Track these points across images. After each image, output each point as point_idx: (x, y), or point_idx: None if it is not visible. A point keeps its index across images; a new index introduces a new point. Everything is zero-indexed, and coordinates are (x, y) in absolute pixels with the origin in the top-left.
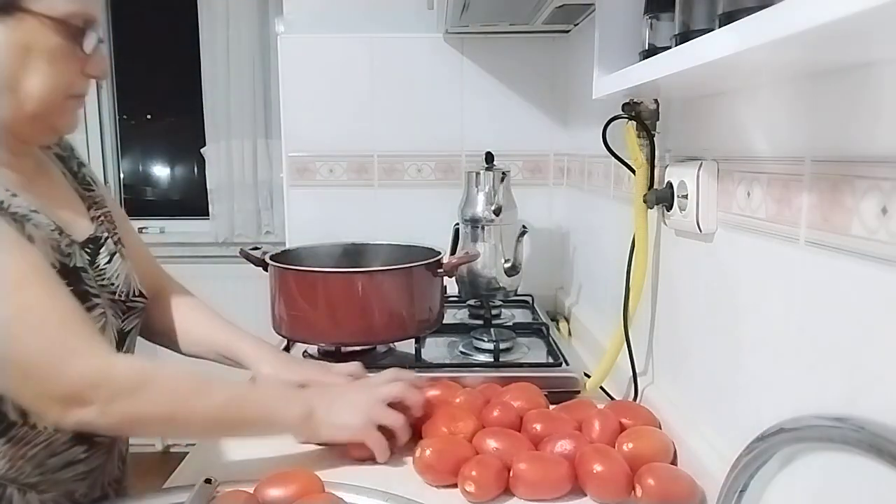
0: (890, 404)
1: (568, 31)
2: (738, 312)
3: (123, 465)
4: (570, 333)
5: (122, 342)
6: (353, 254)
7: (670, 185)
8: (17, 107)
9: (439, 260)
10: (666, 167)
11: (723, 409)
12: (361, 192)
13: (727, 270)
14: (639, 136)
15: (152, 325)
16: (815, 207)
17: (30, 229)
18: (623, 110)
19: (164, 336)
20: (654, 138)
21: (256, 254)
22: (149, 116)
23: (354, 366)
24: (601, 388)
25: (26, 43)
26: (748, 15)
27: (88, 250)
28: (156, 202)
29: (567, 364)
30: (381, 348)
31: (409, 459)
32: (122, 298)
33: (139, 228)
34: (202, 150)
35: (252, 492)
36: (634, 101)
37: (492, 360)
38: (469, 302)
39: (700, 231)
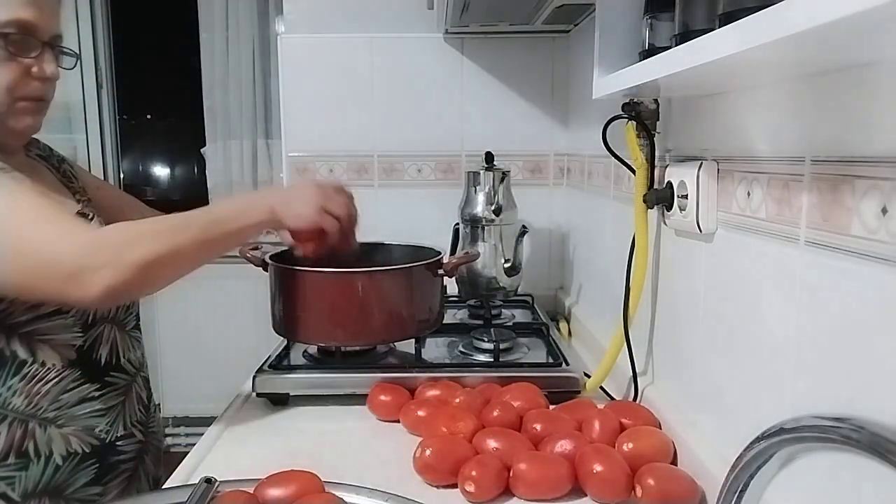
0: (890, 404)
1: (568, 31)
2: (738, 312)
3: (147, 410)
4: (570, 333)
5: (125, 304)
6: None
7: (670, 185)
8: None
9: (439, 260)
10: (666, 167)
11: (723, 409)
12: (361, 192)
13: (727, 270)
14: (639, 136)
15: None
16: (815, 207)
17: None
18: (623, 110)
19: None
20: (654, 138)
21: (256, 254)
22: (149, 116)
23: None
24: (601, 388)
25: None
26: (748, 15)
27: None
28: (156, 202)
29: (567, 364)
30: (381, 348)
31: (409, 459)
32: None
33: None
34: (202, 150)
35: (252, 492)
36: (634, 101)
37: (492, 360)
38: (469, 302)
39: (700, 231)
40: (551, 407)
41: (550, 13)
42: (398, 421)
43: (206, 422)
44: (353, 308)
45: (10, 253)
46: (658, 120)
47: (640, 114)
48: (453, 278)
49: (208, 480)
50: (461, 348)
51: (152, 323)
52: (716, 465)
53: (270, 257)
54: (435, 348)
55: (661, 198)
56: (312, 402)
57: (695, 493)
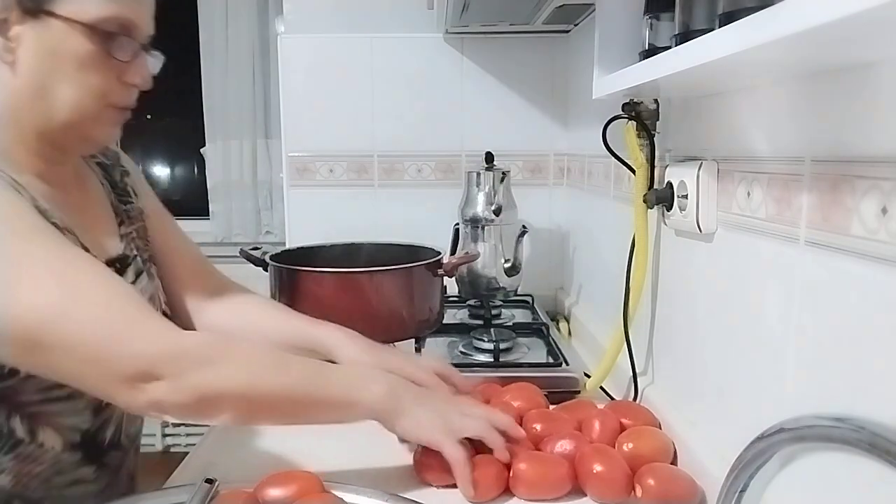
0: (890, 404)
1: (568, 31)
2: (738, 312)
3: (132, 481)
4: (570, 333)
5: None
6: (353, 254)
7: (670, 185)
8: (49, 115)
9: (439, 260)
10: (666, 167)
11: (723, 409)
12: (361, 192)
13: (727, 270)
14: (639, 136)
15: (213, 325)
16: (815, 207)
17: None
18: (623, 110)
19: (228, 335)
20: (654, 138)
21: (256, 254)
22: (149, 116)
23: (439, 360)
24: (601, 388)
25: (53, 48)
26: (748, 15)
27: (115, 269)
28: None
29: (567, 364)
30: None
31: (409, 459)
32: None
33: None
34: (202, 150)
35: (252, 492)
36: (634, 101)
37: (492, 360)
38: (469, 302)
39: (700, 231)
40: (551, 407)
41: (550, 13)
42: None
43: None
44: (353, 308)
45: (67, 340)
46: (658, 120)
47: (640, 114)
48: (453, 278)
49: (208, 480)
50: (461, 348)
51: None
52: (716, 465)
53: (270, 257)
54: (435, 348)
55: (661, 198)
56: None
57: (695, 493)
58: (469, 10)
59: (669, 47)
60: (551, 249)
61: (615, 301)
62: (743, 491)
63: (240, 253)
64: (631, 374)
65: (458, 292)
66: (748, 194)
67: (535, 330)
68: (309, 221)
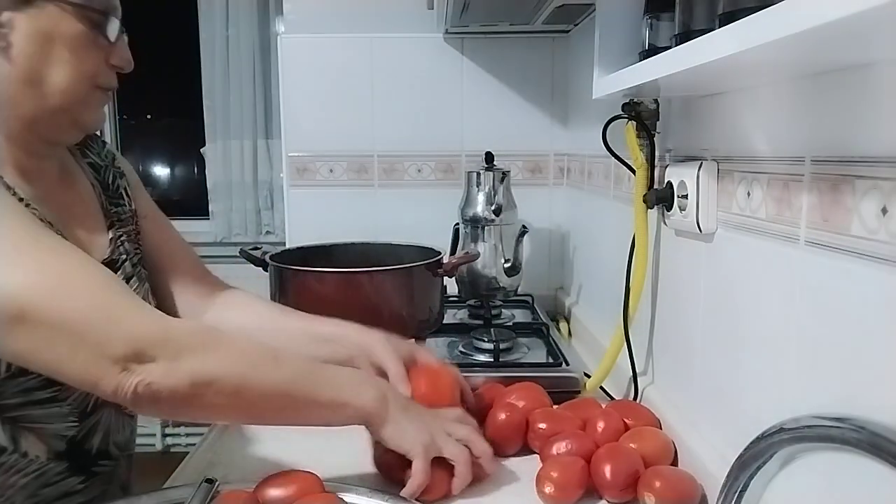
0: (890, 404)
1: (568, 31)
2: (738, 312)
3: (125, 491)
4: (570, 333)
5: None
6: (353, 254)
7: (670, 185)
8: (41, 101)
9: (439, 260)
10: (666, 167)
11: (723, 409)
12: (361, 192)
13: (727, 270)
14: (639, 136)
15: (215, 325)
16: (815, 207)
17: None
18: (623, 110)
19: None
20: (654, 138)
21: (256, 254)
22: (149, 116)
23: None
24: (601, 387)
25: (48, 31)
26: (748, 15)
27: None
28: (156, 202)
29: (567, 364)
30: None
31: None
32: None
33: None
34: (202, 150)
35: (252, 492)
36: (634, 101)
37: (492, 360)
38: (469, 302)
39: (700, 231)
40: (555, 406)
41: (550, 13)
42: None
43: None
44: (353, 308)
45: (51, 323)
46: (658, 120)
47: (640, 114)
48: (453, 278)
49: (208, 480)
50: (461, 348)
51: None
52: (716, 465)
53: (270, 257)
54: (435, 348)
55: (661, 198)
56: None
57: (696, 494)
58: (469, 10)
59: (669, 47)
60: (551, 249)
61: (615, 301)
62: (743, 491)
63: (240, 253)
64: (631, 374)
65: (458, 292)
66: (748, 194)
67: (535, 330)
68: (309, 221)
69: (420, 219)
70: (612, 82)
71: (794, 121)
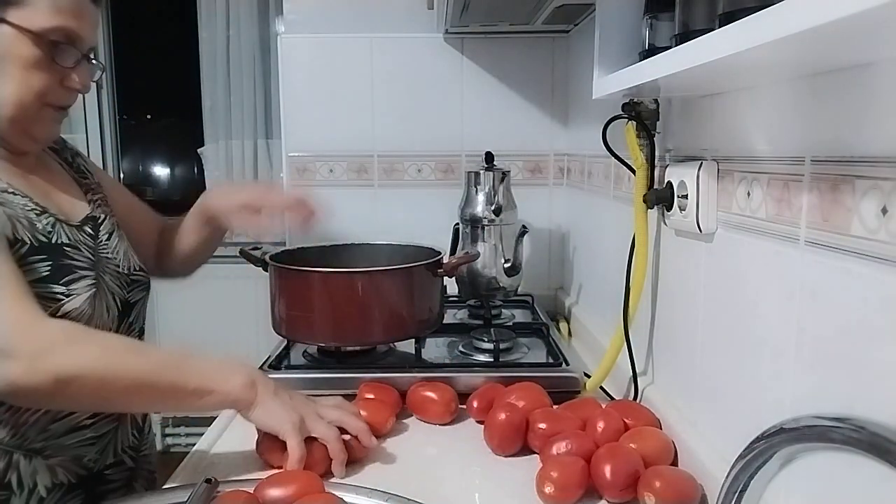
0: (890, 404)
1: (568, 31)
2: (738, 312)
3: (141, 433)
4: (570, 333)
5: (127, 312)
6: (354, 254)
7: (670, 185)
8: None
9: (439, 260)
10: (666, 167)
11: (723, 409)
12: (361, 192)
13: (727, 270)
14: (639, 136)
15: (166, 256)
16: (815, 207)
17: None
18: (623, 110)
19: (176, 258)
20: (654, 138)
21: (256, 254)
22: (149, 116)
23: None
24: (601, 387)
25: (3, 51)
26: (748, 15)
27: (90, 227)
28: (156, 202)
29: (567, 364)
30: (381, 348)
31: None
32: (125, 272)
33: None
34: (200, 151)
35: (252, 492)
36: (634, 101)
37: (492, 360)
38: (469, 302)
39: (700, 231)
40: (555, 407)
41: (550, 13)
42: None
43: (206, 422)
44: (353, 308)
45: None
46: (658, 120)
47: (640, 114)
48: (453, 278)
49: (208, 480)
50: (461, 348)
51: (152, 322)
52: (716, 465)
53: (270, 257)
54: (435, 348)
55: (661, 198)
56: None
57: (696, 494)
58: (469, 10)
59: (669, 47)
60: (551, 249)
61: (615, 301)
62: (743, 491)
63: (240, 253)
64: (631, 374)
65: (458, 292)
66: (748, 194)
67: (535, 330)
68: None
69: (420, 219)
70: (612, 82)
71: (794, 121)
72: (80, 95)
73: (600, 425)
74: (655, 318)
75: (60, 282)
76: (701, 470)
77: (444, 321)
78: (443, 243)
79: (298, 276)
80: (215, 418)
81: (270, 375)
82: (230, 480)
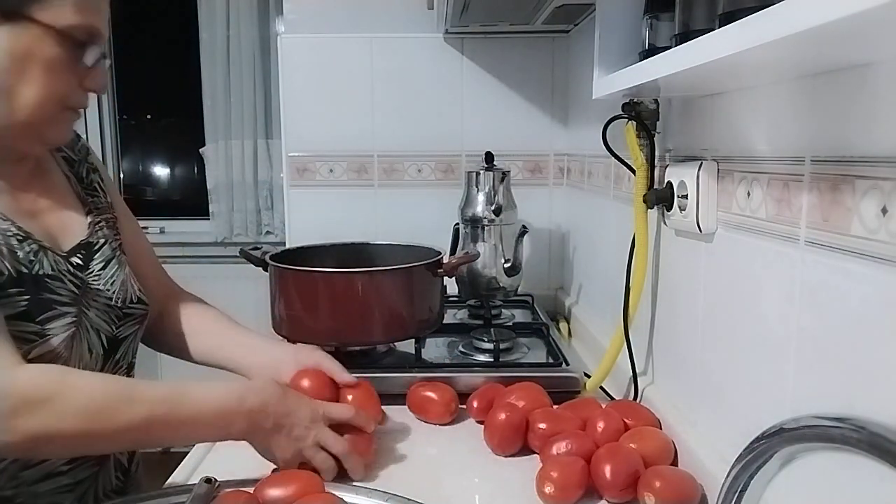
0: (890, 404)
1: (568, 31)
2: (738, 312)
3: (126, 475)
4: (570, 333)
5: (114, 349)
6: (353, 254)
7: (670, 185)
8: (8, 113)
9: (439, 260)
10: (666, 167)
11: (723, 409)
12: (361, 192)
13: (727, 270)
14: (639, 136)
15: (162, 333)
16: (815, 207)
17: None
18: (623, 110)
19: (173, 344)
20: (654, 138)
21: (256, 254)
22: (149, 116)
23: (321, 356)
24: (601, 387)
25: (27, 51)
26: (748, 15)
27: (80, 256)
28: (156, 202)
29: (567, 364)
30: (381, 348)
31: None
32: (118, 304)
33: None
34: (201, 151)
35: (252, 492)
36: (634, 101)
37: (492, 360)
38: (469, 302)
39: (700, 231)
40: (555, 407)
41: (550, 13)
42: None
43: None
44: (353, 308)
45: None
46: (658, 120)
47: (640, 114)
48: (453, 278)
49: (208, 480)
50: (461, 348)
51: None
52: (716, 465)
53: (270, 257)
54: (435, 348)
55: (661, 198)
56: None
57: (696, 494)
58: (469, 10)
59: (669, 47)
60: (551, 249)
61: (615, 301)
62: (743, 491)
63: (240, 253)
64: (631, 374)
65: (458, 292)
66: (748, 194)
67: (535, 330)
68: (309, 221)
69: (420, 219)
70: (612, 82)
71: (794, 121)
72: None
73: (600, 425)
74: (655, 318)
75: (36, 319)
76: (701, 470)
77: (444, 321)
78: (443, 243)
79: (298, 276)
80: None
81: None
82: (230, 480)
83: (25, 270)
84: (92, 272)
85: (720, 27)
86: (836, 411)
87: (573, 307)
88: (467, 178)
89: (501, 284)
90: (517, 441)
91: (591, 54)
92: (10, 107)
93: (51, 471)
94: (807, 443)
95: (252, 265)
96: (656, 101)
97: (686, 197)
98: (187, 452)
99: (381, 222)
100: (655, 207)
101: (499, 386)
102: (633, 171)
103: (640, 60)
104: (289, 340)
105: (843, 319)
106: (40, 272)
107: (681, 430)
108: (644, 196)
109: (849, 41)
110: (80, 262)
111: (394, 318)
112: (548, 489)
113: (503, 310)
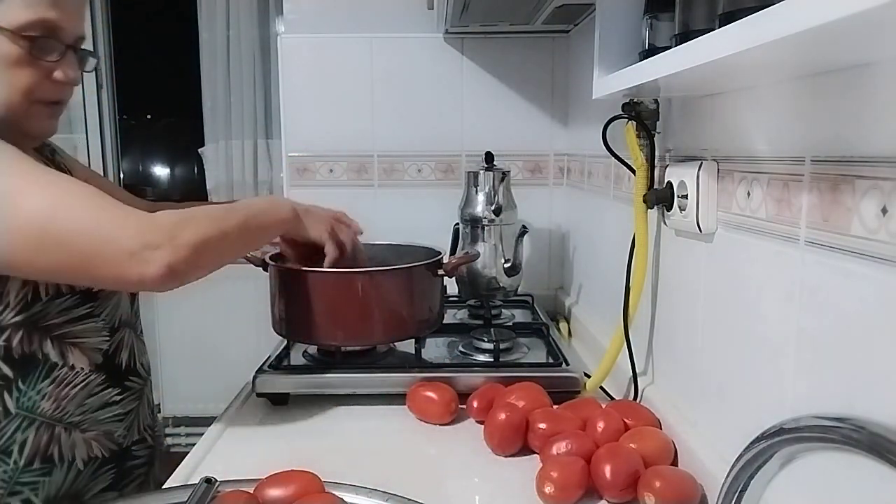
0: (890, 404)
1: (568, 31)
2: (738, 312)
3: (153, 414)
4: (570, 333)
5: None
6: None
7: (670, 185)
8: None
9: (439, 260)
10: (666, 167)
11: (723, 410)
12: (361, 192)
13: (727, 270)
14: (639, 136)
15: None
16: (815, 207)
17: None
18: (623, 110)
19: None
20: (654, 138)
21: (256, 254)
22: (149, 116)
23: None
24: (601, 387)
25: None
26: (748, 15)
27: None
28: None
29: (567, 364)
30: (381, 348)
31: (409, 458)
32: None
33: None
34: (200, 151)
35: (252, 492)
36: (634, 101)
37: (492, 360)
38: (469, 302)
39: (700, 231)
40: (555, 407)
41: (550, 13)
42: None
43: (207, 422)
44: (353, 308)
45: (69, 236)
46: (658, 120)
47: (640, 114)
48: (453, 278)
49: (208, 480)
50: (461, 348)
51: (152, 322)
52: (716, 465)
53: (270, 257)
54: (435, 348)
55: (661, 198)
56: (312, 402)
57: (696, 494)
58: (469, 10)
59: (669, 47)
60: (551, 249)
61: (615, 301)
62: (743, 491)
63: None
64: (631, 374)
65: (458, 292)
66: (748, 194)
67: (535, 330)
68: None
69: (420, 219)
70: (612, 82)
71: (794, 121)
72: (80, 90)
73: (600, 425)
74: (655, 318)
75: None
76: (701, 470)
77: (444, 321)
78: (443, 243)
79: (298, 276)
80: (215, 418)
81: (270, 376)
82: (230, 480)
83: None
84: None
85: (720, 27)
86: (836, 411)
87: (573, 307)
88: (467, 178)
89: (501, 284)
90: (517, 441)
91: (591, 54)
92: None
93: (107, 400)
94: (807, 443)
95: (252, 265)
96: (656, 101)
97: (686, 197)
98: (187, 452)
99: (381, 222)
100: (655, 207)
101: (499, 386)
102: (633, 171)
103: (640, 60)
104: (289, 340)
105: (843, 319)
106: None
107: (681, 430)
108: (644, 196)
109: (849, 41)
110: None
111: (394, 318)
112: (548, 489)
113: (503, 310)
